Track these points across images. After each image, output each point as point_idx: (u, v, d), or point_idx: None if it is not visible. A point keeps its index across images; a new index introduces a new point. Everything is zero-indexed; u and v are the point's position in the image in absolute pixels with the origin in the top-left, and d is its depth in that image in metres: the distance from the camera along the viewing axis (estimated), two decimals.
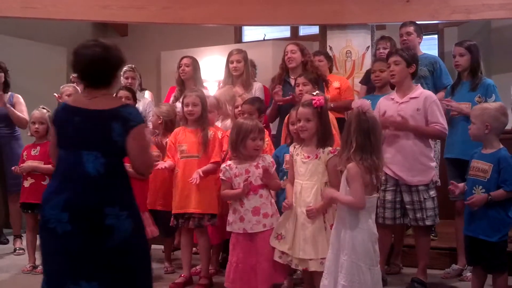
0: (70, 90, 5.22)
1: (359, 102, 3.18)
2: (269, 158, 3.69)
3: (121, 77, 5.67)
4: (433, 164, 4.02)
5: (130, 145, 2.60)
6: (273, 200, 3.68)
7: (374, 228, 3.11)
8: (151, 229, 4.37)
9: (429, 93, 4.05)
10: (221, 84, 5.29)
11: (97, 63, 2.65)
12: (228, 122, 4.74)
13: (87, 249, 2.51)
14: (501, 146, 3.44)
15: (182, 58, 5.34)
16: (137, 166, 2.69)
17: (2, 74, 5.42)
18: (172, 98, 5.36)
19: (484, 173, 3.39)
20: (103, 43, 2.70)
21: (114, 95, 2.77)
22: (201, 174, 4.07)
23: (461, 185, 3.56)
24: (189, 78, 5.23)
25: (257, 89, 5.07)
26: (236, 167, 3.63)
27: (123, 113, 2.60)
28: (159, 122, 4.69)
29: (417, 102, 3.92)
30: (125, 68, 5.70)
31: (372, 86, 4.76)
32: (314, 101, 3.45)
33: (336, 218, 3.19)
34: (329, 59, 5.40)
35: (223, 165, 3.73)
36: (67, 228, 2.50)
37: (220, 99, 4.75)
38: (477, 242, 3.40)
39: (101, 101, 2.65)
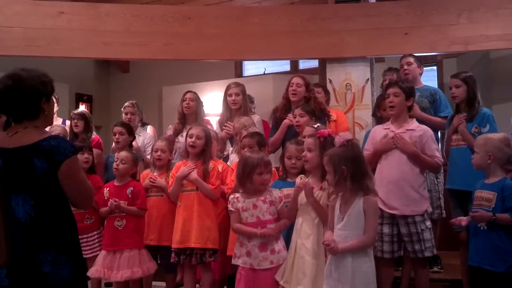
0: (59, 130, 5.13)
1: (341, 136, 3.21)
2: (276, 193, 3.63)
3: (122, 113, 5.72)
4: (427, 194, 3.97)
5: (63, 182, 2.42)
6: (280, 236, 3.61)
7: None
8: (147, 266, 4.33)
9: (425, 127, 4.02)
10: (219, 118, 5.31)
11: (8, 96, 2.46)
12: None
13: None
14: (505, 175, 3.41)
15: (187, 92, 5.38)
16: (74, 202, 2.52)
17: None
18: (171, 131, 5.35)
19: (489, 202, 3.36)
20: (17, 74, 2.49)
21: (37, 127, 2.51)
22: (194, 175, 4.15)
23: (464, 218, 3.55)
24: (191, 113, 5.26)
25: (256, 121, 5.07)
26: (244, 201, 3.57)
27: (45, 147, 2.39)
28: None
29: (413, 134, 3.90)
30: (125, 104, 5.76)
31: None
32: (317, 133, 3.46)
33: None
34: (327, 92, 5.41)
35: (231, 196, 3.66)
36: (4, 283, 2.33)
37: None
38: (482, 273, 3.34)
39: (22, 136, 2.44)
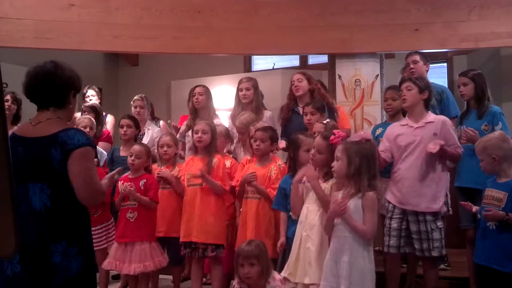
0: (86, 122, 5.16)
1: (363, 134, 3.21)
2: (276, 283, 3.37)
3: (131, 106, 5.75)
4: (443, 195, 3.95)
5: (69, 171, 2.40)
6: None
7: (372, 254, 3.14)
8: (159, 260, 4.36)
9: (444, 117, 4.05)
10: (231, 112, 5.31)
11: (43, 78, 2.51)
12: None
13: None
14: None
15: (195, 87, 5.39)
16: (79, 195, 2.43)
17: (15, 107, 5.43)
18: (184, 127, 5.38)
19: (499, 202, 3.33)
20: (56, 62, 2.56)
21: (60, 119, 2.55)
22: (204, 173, 4.11)
23: (475, 206, 3.55)
24: (203, 107, 5.27)
25: (268, 117, 5.08)
26: None
27: (62, 137, 2.42)
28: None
29: (433, 126, 3.90)
30: (135, 97, 5.79)
31: None
32: (332, 137, 3.40)
33: (333, 246, 3.13)
34: (324, 88, 5.41)
35: (236, 285, 3.48)
36: (17, 270, 2.36)
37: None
38: (489, 272, 3.32)
39: (43, 126, 2.48)
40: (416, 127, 3.94)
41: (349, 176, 3.10)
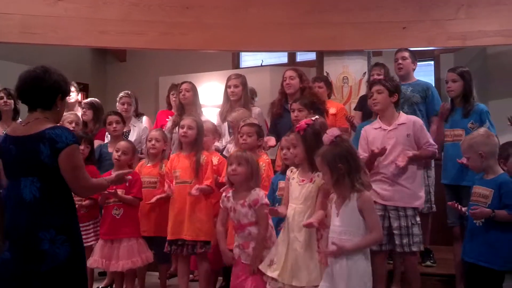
0: (72, 118, 5.11)
1: (329, 134, 3.14)
2: (253, 196, 3.51)
3: (117, 103, 5.69)
4: (422, 191, 3.96)
5: (61, 167, 2.63)
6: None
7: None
8: (146, 255, 4.34)
9: (416, 118, 4.06)
10: (220, 109, 5.29)
11: (31, 82, 2.73)
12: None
13: (21, 276, 2.55)
14: (502, 171, 3.41)
15: (182, 83, 5.36)
16: (72, 188, 2.72)
17: (12, 101, 5.35)
18: (170, 123, 5.36)
19: (485, 199, 3.34)
20: (45, 66, 2.78)
21: (47, 119, 2.76)
22: (198, 192, 4.12)
23: (464, 208, 3.54)
24: (189, 103, 5.24)
25: (256, 114, 5.07)
26: (231, 201, 3.60)
27: (49, 134, 2.63)
28: None
29: (406, 128, 3.91)
30: (121, 94, 5.72)
31: (367, 111, 4.76)
32: (296, 126, 3.41)
33: (331, 247, 3.07)
34: (329, 85, 5.41)
35: (223, 194, 3.70)
36: (7, 256, 2.57)
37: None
38: (478, 269, 3.33)
39: (32, 126, 2.70)
40: (389, 130, 3.94)
41: (336, 184, 3.04)
